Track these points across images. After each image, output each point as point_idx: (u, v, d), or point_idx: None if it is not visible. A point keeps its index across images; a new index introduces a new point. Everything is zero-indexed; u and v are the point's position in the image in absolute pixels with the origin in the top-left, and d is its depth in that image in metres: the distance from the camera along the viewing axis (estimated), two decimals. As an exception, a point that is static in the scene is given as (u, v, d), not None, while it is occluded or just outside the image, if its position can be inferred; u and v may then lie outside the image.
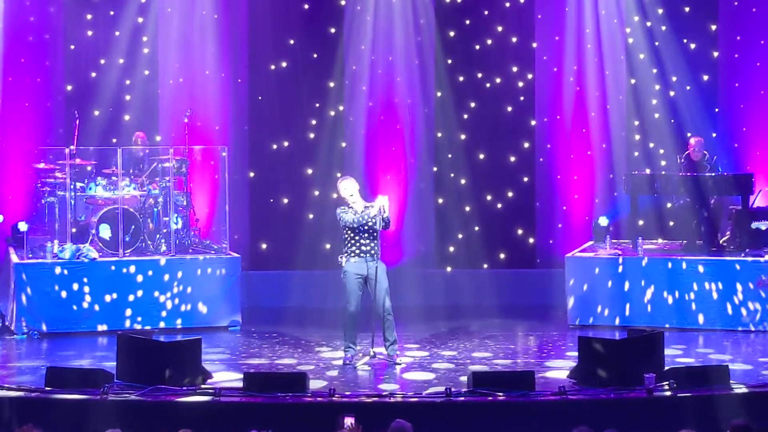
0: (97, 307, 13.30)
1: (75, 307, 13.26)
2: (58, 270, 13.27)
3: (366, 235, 11.41)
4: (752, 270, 13.23)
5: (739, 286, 13.23)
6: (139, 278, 13.51)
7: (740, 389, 9.96)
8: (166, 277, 13.61)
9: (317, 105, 16.20)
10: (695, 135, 14.69)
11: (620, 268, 13.66)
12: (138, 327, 13.24)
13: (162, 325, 13.44)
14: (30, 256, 13.67)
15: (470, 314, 14.64)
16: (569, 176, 16.27)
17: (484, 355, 12.15)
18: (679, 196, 14.33)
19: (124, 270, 13.49)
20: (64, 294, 13.24)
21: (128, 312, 13.39)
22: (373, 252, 11.42)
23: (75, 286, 13.28)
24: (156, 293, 13.55)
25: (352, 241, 11.45)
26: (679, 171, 14.38)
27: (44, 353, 12.26)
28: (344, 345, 11.62)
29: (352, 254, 11.45)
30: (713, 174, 14.22)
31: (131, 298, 13.44)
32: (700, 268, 13.38)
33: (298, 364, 11.67)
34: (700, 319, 13.32)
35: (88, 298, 13.30)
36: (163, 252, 13.96)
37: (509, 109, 16.38)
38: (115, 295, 13.38)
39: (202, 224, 15.15)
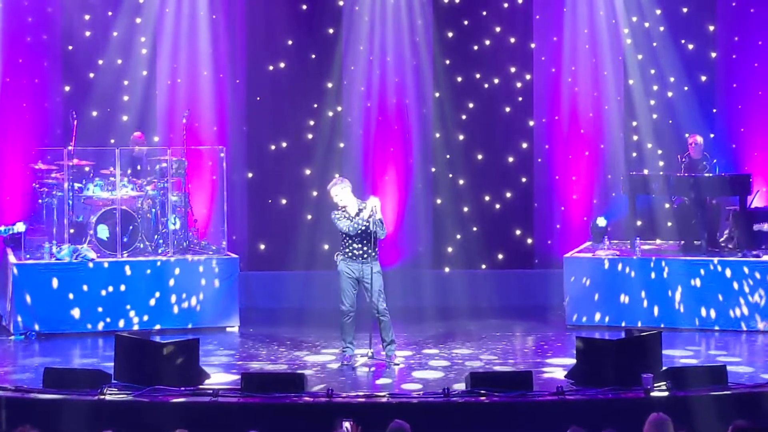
0: (94, 308, 13.29)
1: (72, 308, 13.25)
2: (55, 271, 13.26)
3: (359, 239, 11.44)
4: (751, 270, 13.23)
5: (737, 286, 13.23)
6: (137, 279, 13.50)
7: (737, 390, 9.96)
8: (164, 277, 13.60)
9: (315, 105, 16.18)
10: (697, 134, 14.68)
11: (618, 269, 13.66)
12: (136, 328, 13.24)
13: (159, 325, 13.44)
14: (27, 256, 13.65)
15: (468, 315, 14.63)
16: (567, 177, 16.26)
17: (482, 356, 12.14)
18: (677, 197, 14.33)
19: (122, 271, 13.48)
20: (61, 294, 13.23)
21: (126, 313, 13.39)
22: (366, 256, 11.45)
23: (72, 287, 13.26)
24: (154, 294, 13.53)
25: (346, 244, 11.53)
26: (680, 170, 14.38)
27: (41, 354, 12.25)
28: (342, 345, 11.64)
29: (346, 256, 11.53)
30: (711, 174, 14.22)
31: (129, 298, 13.43)
32: (698, 269, 13.38)
33: (297, 365, 11.67)
34: (698, 319, 13.32)
35: (85, 298, 13.28)
36: (161, 253, 13.95)
37: (507, 109, 16.36)
38: (112, 296, 13.38)
39: (200, 225, 15.13)
